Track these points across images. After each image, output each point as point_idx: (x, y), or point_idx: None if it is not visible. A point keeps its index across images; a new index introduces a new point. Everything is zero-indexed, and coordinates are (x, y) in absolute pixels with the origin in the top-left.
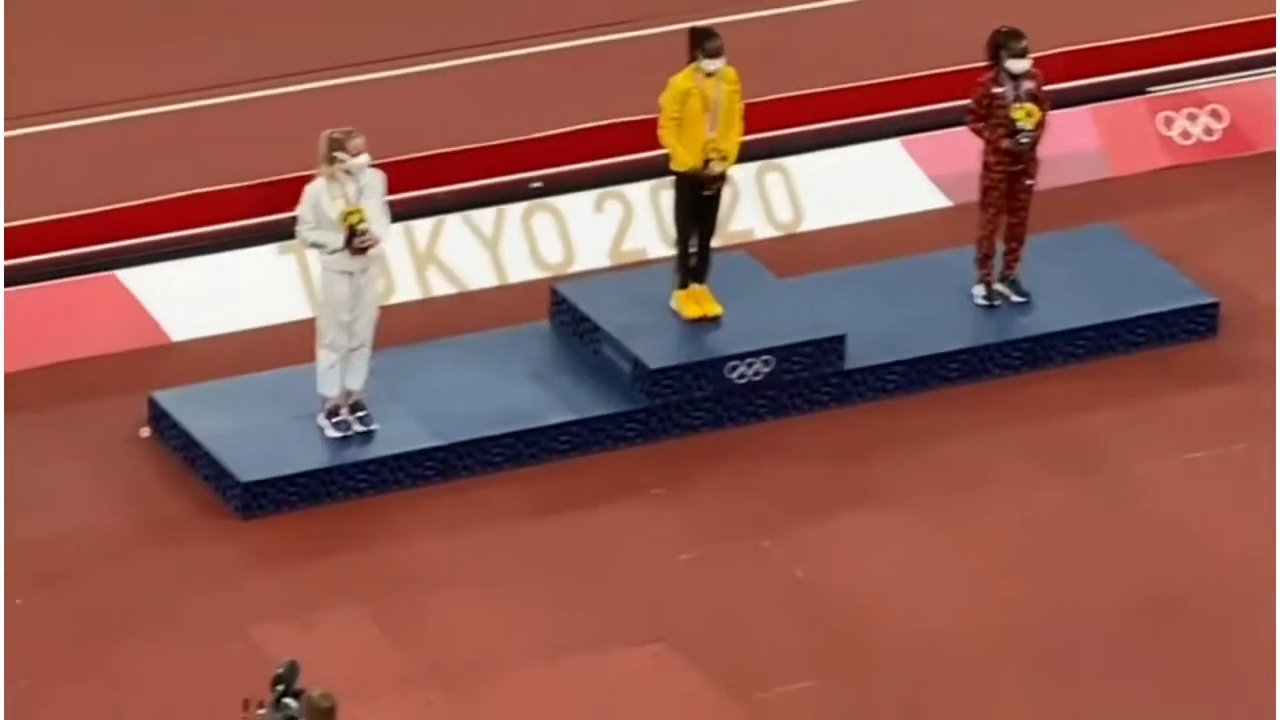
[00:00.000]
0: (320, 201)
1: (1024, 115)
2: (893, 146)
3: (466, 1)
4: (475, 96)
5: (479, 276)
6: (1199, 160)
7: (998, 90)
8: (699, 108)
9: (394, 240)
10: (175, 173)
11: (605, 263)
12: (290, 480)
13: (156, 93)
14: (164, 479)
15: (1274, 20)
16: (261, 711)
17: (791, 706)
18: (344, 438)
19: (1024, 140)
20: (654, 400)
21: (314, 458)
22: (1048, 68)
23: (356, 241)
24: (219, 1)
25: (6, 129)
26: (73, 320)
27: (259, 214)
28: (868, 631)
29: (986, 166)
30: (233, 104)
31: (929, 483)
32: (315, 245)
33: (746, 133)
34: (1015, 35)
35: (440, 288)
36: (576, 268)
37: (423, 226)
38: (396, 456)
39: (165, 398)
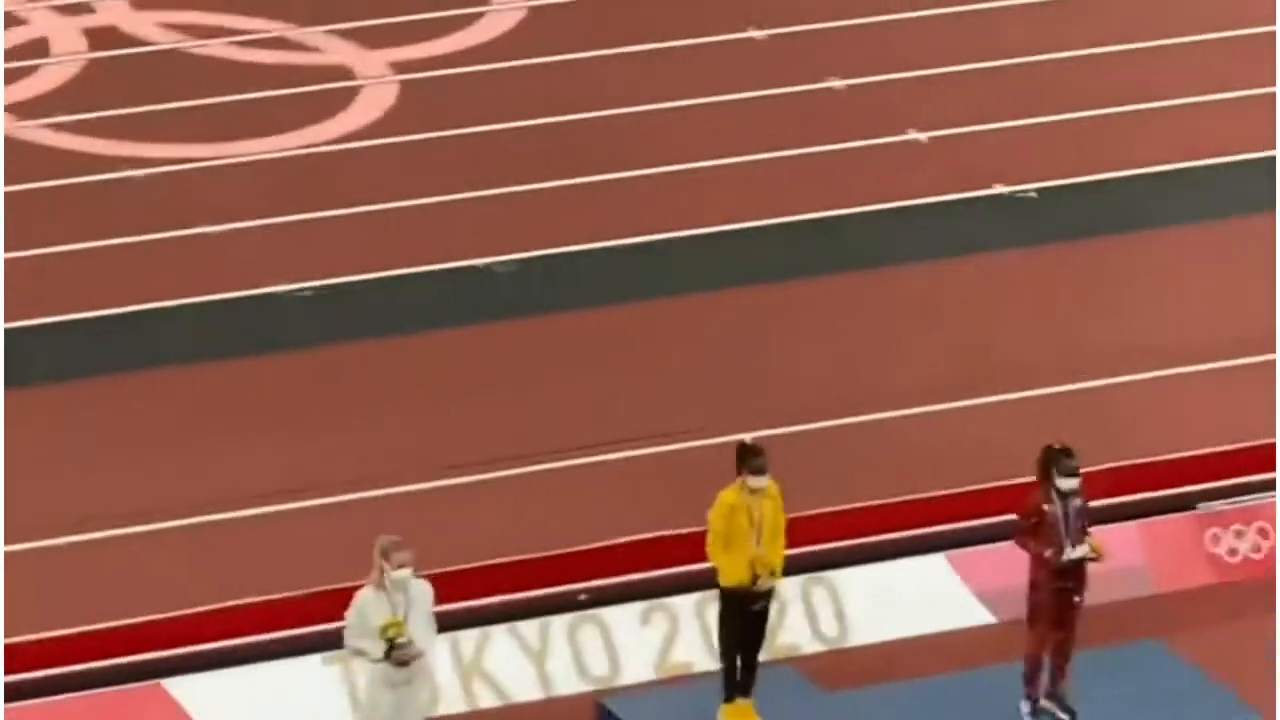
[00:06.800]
0: (367, 610)
1: (1096, 548)
2: (938, 561)
3: (513, 416)
4: (520, 508)
5: (524, 689)
6: (1245, 578)
7: (1047, 507)
8: (745, 524)
9: (440, 651)
10: (221, 582)
11: (651, 675)
12: None
13: (204, 501)
14: None
15: None
16: None
17: None
18: None
19: (1076, 557)
20: None
21: None
22: (1096, 483)
23: (396, 654)
24: (266, 411)
25: (52, 538)
26: None
27: (303, 624)
28: None
29: (1034, 585)
30: (279, 513)
31: None
32: (359, 653)
33: (792, 546)
34: (1066, 453)
35: (486, 699)
36: (622, 680)
37: (469, 637)
38: None
39: None
